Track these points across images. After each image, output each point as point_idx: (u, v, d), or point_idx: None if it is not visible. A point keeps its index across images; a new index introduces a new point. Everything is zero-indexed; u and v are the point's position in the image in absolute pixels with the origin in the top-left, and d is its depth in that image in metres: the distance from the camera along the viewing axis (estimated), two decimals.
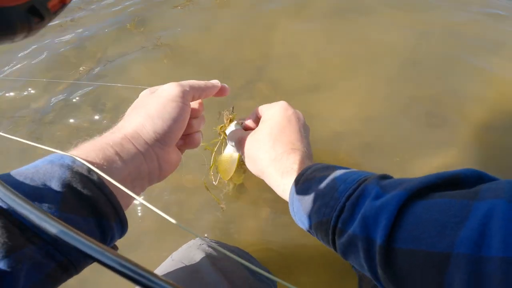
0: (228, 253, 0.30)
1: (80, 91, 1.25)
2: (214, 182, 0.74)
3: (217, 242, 0.67)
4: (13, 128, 1.17)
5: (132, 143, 0.38)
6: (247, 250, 0.72)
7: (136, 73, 1.32)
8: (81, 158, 0.33)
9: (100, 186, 0.32)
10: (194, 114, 0.47)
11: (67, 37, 1.59)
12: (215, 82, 0.48)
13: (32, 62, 1.43)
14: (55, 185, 0.30)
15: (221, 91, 0.49)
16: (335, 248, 0.38)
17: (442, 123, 1.07)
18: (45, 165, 0.31)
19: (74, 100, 1.24)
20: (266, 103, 0.56)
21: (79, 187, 0.31)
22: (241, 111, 0.76)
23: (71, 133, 1.12)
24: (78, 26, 1.65)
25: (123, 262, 0.22)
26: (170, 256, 0.62)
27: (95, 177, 0.32)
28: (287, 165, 0.45)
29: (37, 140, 1.12)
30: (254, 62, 1.30)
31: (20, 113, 1.22)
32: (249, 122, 0.56)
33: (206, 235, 0.87)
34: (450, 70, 1.22)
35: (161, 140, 0.39)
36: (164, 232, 0.89)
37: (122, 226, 0.36)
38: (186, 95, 0.41)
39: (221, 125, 0.61)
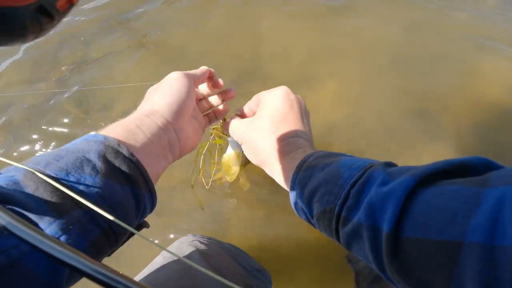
0: (188, 261, 0.28)
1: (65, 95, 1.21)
2: (206, 186, 0.72)
3: (210, 239, 0.65)
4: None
5: (150, 117, 0.41)
6: (241, 247, 0.70)
7: (121, 71, 1.29)
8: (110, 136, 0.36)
9: (130, 157, 0.35)
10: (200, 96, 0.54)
11: (49, 33, 1.54)
12: (203, 68, 0.51)
13: (13, 59, 1.38)
14: (93, 157, 0.33)
15: (227, 94, 0.54)
16: (338, 239, 0.36)
17: (430, 117, 1.08)
18: (82, 142, 0.35)
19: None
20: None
21: (112, 158, 0.34)
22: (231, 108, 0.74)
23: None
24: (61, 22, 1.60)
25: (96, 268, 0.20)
26: (161, 253, 0.59)
27: (124, 150, 0.35)
28: (289, 152, 0.44)
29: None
30: (243, 58, 1.28)
31: None
32: (247, 110, 0.53)
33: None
34: (438, 65, 1.23)
35: (174, 111, 0.43)
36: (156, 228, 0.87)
37: (152, 196, 0.38)
38: (188, 76, 0.46)
39: (214, 126, 0.57)
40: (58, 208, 0.28)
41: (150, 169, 0.38)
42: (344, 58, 1.25)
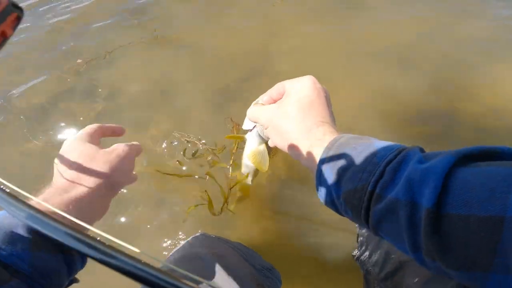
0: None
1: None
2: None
3: (219, 238, 0.64)
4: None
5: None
6: (251, 246, 0.70)
7: (133, 64, 1.28)
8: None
9: None
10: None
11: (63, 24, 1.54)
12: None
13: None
14: (22, 231, 0.36)
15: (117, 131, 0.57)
16: (366, 219, 0.36)
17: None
18: (7, 216, 0.37)
19: None
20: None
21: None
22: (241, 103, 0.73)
23: None
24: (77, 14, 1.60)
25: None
26: (171, 254, 0.59)
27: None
28: (318, 136, 0.44)
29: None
30: (256, 55, 1.28)
31: None
32: (268, 98, 0.53)
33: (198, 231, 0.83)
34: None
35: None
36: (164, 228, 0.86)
37: (82, 258, 0.41)
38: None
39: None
40: None
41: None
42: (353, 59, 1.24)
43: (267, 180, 0.95)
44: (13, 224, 0.36)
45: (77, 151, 0.48)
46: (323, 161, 0.41)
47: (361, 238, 0.82)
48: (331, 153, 0.40)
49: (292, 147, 0.47)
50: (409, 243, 0.31)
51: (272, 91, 0.53)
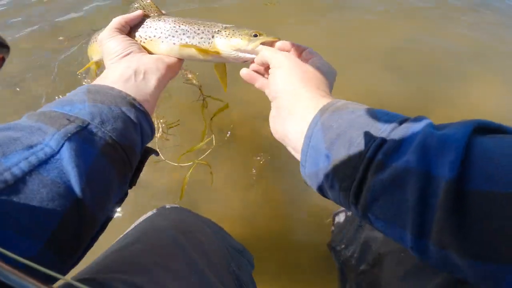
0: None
1: None
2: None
3: (188, 211, 0.57)
4: None
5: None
6: (221, 224, 0.63)
7: None
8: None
9: (111, 85, 0.42)
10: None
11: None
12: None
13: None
14: (80, 92, 0.40)
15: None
16: (357, 195, 0.30)
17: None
18: (72, 92, 0.41)
19: None
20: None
21: (94, 90, 0.40)
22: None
23: None
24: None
25: None
26: (133, 225, 0.51)
27: (107, 82, 0.43)
28: (317, 97, 0.39)
29: None
30: None
31: None
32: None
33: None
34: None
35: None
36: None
37: (145, 116, 0.43)
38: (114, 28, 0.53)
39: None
40: (56, 124, 0.33)
41: (135, 94, 0.42)
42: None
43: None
44: (74, 92, 0.40)
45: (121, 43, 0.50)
46: (315, 124, 0.35)
47: (335, 229, 0.78)
48: (325, 116, 0.34)
49: (281, 98, 0.42)
50: (414, 224, 0.26)
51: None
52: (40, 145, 0.30)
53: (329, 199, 0.36)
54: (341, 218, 0.77)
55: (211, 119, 0.91)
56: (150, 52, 0.54)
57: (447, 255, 0.25)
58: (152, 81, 0.46)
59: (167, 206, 0.57)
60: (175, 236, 0.45)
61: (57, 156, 0.30)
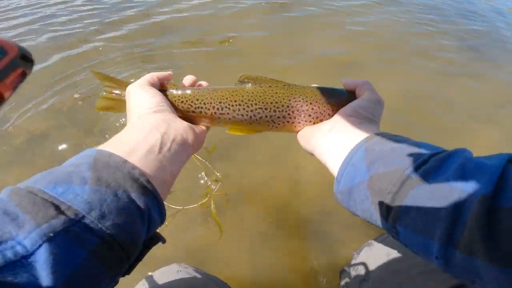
0: None
1: None
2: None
3: (196, 270, 0.61)
4: None
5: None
6: (228, 282, 0.66)
7: None
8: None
9: (122, 163, 0.35)
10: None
11: None
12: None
13: None
14: (84, 168, 0.33)
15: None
16: (388, 207, 0.33)
17: None
18: (76, 158, 0.35)
19: None
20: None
21: (101, 167, 0.34)
22: None
23: None
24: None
25: None
26: (144, 279, 0.54)
27: (116, 158, 0.35)
28: (366, 125, 0.44)
29: None
30: None
31: None
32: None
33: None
34: None
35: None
36: None
37: (157, 202, 0.36)
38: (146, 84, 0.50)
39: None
40: (38, 217, 0.27)
41: (153, 172, 0.36)
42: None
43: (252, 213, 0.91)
44: (78, 163, 0.33)
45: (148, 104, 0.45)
46: (358, 148, 0.39)
47: (342, 285, 0.78)
48: (373, 141, 0.39)
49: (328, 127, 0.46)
50: (444, 233, 0.29)
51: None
52: (11, 242, 0.25)
53: (356, 214, 0.39)
54: (345, 276, 0.78)
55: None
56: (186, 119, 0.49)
57: (473, 262, 0.28)
58: (178, 156, 0.41)
59: (176, 267, 0.60)
60: None
61: (31, 259, 0.25)
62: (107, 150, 0.35)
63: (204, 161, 1.06)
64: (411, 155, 0.34)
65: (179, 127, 0.44)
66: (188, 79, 0.55)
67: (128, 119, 0.47)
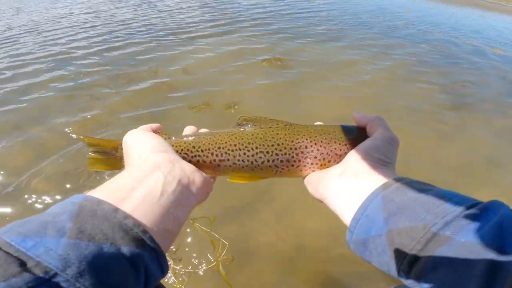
0: None
1: None
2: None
3: None
4: None
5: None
6: None
7: None
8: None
9: (112, 212, 0.31)
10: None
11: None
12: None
13: None
14: (64, 218, 0.30)
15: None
16: (410, 264, 0.30)
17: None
18: (60, 205, 0.32)
19: None
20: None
21: (87, 217, 0.31)
22: None
23: None
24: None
25: None
26: None
27: (105, 206, 0.32)
28: (381, 169, 0.40)
29: None
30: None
31: None
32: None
33: None
34: None
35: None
36: None
37: (156, 255, 0.32)
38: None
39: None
40: None
41: (152, 220, 0.32)
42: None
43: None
44: (59, 211, 0.29)
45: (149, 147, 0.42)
46: (374, 196, 0.36)
47: None
48: (389, 190, 0.36)
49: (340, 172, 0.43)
50: None
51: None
52: None
53: (370, 263, 0.36)
54: None
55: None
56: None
57: None
58: (185, 199, 0.37)
59: None
60: None
61: None
62: (96, 197, 0.31)
63: (208, 230, 1.09)
64: (437, 207, 0.32)
65: (186, 168, 0.40)
66: (188, 131, 0.53)
67: (126, 162, 0.43)
